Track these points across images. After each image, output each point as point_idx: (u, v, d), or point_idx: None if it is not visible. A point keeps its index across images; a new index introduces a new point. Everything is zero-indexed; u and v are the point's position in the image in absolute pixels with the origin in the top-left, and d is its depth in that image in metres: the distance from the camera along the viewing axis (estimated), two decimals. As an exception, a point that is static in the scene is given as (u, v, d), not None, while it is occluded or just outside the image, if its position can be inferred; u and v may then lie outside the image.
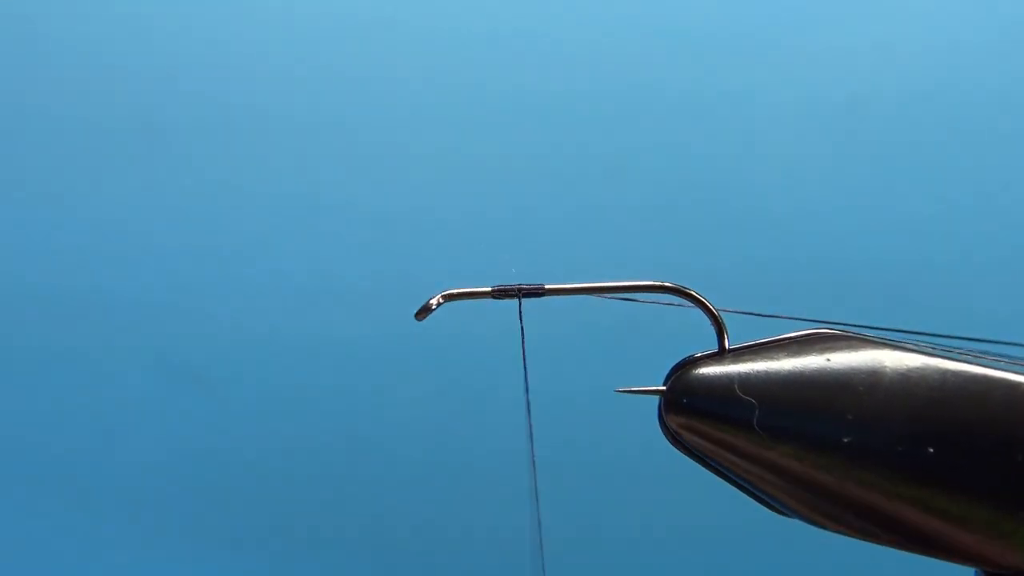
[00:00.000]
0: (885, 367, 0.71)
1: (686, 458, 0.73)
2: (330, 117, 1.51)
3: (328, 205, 1.51)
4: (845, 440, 0.70)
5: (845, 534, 0.72)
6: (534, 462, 0.74)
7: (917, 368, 0.71)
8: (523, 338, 0.74)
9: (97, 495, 1.54)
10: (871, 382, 0.71)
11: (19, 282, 1.53)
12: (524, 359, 0.74)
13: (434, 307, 0.72)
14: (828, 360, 0.71)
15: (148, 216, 1.51)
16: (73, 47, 1.50)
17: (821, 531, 0.73)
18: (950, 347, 0.74)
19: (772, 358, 0.72)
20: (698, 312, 0.73)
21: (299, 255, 1.52)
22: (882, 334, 0.74)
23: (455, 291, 0.72)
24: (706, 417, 0.71)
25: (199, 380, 1.53)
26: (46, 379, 1.54)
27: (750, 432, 0.70)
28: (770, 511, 0.74)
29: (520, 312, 0.72)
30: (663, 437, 0.74)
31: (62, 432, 1.54)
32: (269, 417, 1.53)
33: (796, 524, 0.73)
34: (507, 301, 0.72)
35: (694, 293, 0.73)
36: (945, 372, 0.71)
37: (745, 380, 0.71)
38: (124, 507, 1.54)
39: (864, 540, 0.72)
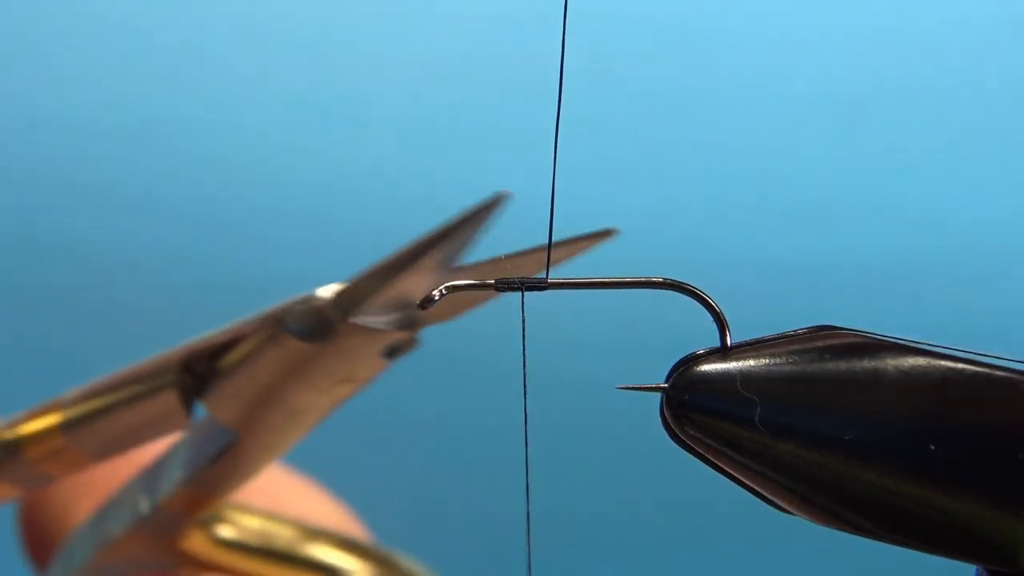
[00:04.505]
0: (887, 364, 0.71)
1: (688, 455, 0.73)
2: (330, 113, 1.51)
3: (327, 201, 1.51)
4: (846, 437, 0.70)
5: (846, 531, 0.72)
6: (528, 459, 0.74)
7: (919, 366, 0.71)
8: (524, 331, 0.74)
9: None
10: (873, 379, 0.71)
11: (21, 280, 1.53)
12: (524, 352, 0.74)
13: (437, 298, 0.72)
14: (830, 357, 0.71)
15: (150, 216, 1.51)
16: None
17: (823, 528, 0.73)
18: (951, 345, 0.74)
19: (774, 355, 0.72)
20: (701, 309, 0.74)
21: (300, 252, 1.52)
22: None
23: (458, 282, 0.73)
24: (708, 414, 0.71)
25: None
26: (48, 379, 1.54)
27: (752, 429, 0.70)
28: (772, 508, 0.74)
29: (523, 305, 0.73)
30: (665, 434, 0.74)
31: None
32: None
33: (798, 522, 0.74)
34: (509, 294, 0.72)
35: (696, 290, 0.73)
36: (946, 370, 0.71)
37: (747, 377, 0.71)
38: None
39: (865, 537, 0.73)
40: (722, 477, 0.73)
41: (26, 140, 1.52)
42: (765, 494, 0.72)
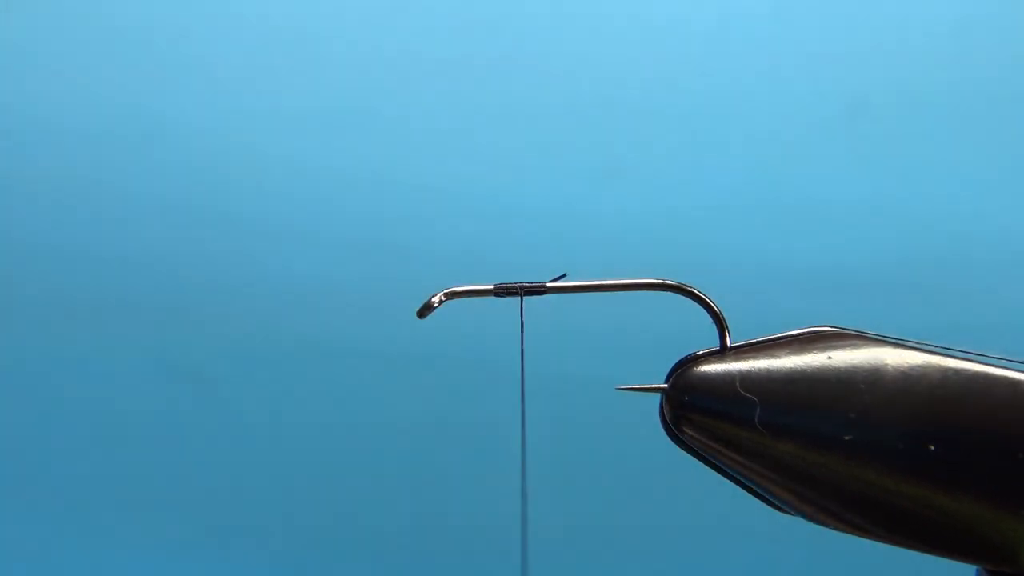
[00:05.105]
0: (887, 365, 0.71)
1: (688, 456, 0.73)
2: (332, 115, 1.51)
3: (328, 203, 1.51)
4: (846, 438, 0.70)
5: (846, 532, 0.72)
6: (524, 461, 0.74)
7: (918, 366, 0.71)
8: (523, 336, 0.74)
9: (98, 495, 1.54)
10: (872, 380, 0.71)
11: (20, 283, 1.53)
12: (522, 357, 0.74)
13: (436, 305, 0.72)
14: (830, 358, 0.71)
15: (148, 215, 1.51)
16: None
17: (823, 528, 0.73)
18: (950, 345, 0.74)
19: (774, 356, 0.72)
20: (700, 310, 0.74)
21: (300, 255, 1.52)
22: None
23: (457, 288, 0.73)
24: (708, 414, 0.71)
25: (200, 380, 1.53)
26: (48, 379, 1.54)
27: (752, 429, 0.70)
28: (772, 509, 0.74)
29: (522, 310, 0.73)
30: (664, 435, 0.74)
31: (64, 432, 1.54)
32: (270, 417, 1.53)
33: (798, 522, 0.74)
34: (509, 299, 0.73)
35: (696, 291, 0.73)
36: (946, 370, 0.71)
37: (747, 377, 0.71)
38: (125, 507, 1.54)
39: (865, 538, 0.73)
40: (722, 477, 0.73)
41: (25, 140, 1.52)
42: (765, 494, 0.73)
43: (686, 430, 0.72)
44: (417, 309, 0.73)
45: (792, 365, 0.71)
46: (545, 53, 1.50)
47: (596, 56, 1.50)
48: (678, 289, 0.73)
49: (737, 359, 0.72)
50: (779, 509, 0.73)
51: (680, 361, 0.73)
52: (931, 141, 1.48)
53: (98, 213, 1.52)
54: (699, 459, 0.73)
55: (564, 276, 0.73)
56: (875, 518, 0.71)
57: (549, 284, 0.73)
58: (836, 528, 0.73)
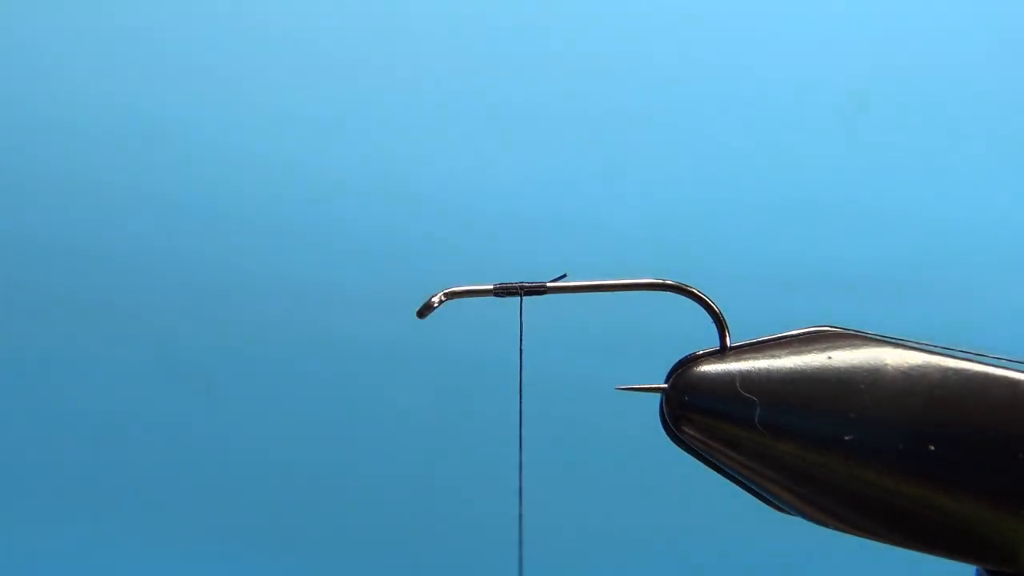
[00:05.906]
0: (886, 365, 0.71)
1: (688, 456, 0.73)
2: (332, 116, 1.51)
3: (328, 204, 1.51)
4: (846, 438, 0.70)
5: (846, 532, 0.72)
6: (521, 463, 0.74)
7: (918, 366, 0.71)
8: (522, 336, 0.74)
9: (99, 495, 1.54)
10: (872, 380, 0.71)
11: (20, 283, 1.53)
12: (521, 357, 0.74)
13: (436, 305, 0.72)
14: (830, 358, 0.71)
15: (149, 215, 1.51)
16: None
17: (822, 529, 0.73)
18: (950, 345, 0.74)
19: (773, 356, 0.72)
20: (700, 310, 0.74)
21: (300, 255, 1.52)
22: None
23: (457, 289, 0.72)
24: (708, 414, 0.71)
25: (201, 380, 1.53)
26: (48, 379, 1.54)
27: (752, 430, 0.70)
28: (772, 509, 0.74)
29: (521, 310, 0.73)
30: (664, 435, 0.74)
31: (64, 432, 1.54)
32: (270, 417, 1.53)
33: (798, 522, 0.74)
34: (509, 299, 0.72)
35: (695, 291, 0.73)
36: (946, 370, 0.71)
37: (747, 377, 0.71)
38: (126, 507, 1.54)
39: (865, 538, 0.73)
40: (722, 477, 0.73)
41: (25, 140, 1.52)
42: (765, 494, 0.72)
43: (686, 430, 0.72)
44: (417, 309, 0.73)
45: (792, 365, 0.71)
46: (546, 54, 1.50)
47: (596, 57, 1.50)
48: (678, 289, 0.73)
49: (737, 359, 0.72)
50: (779, 509, 0.73)
51: (680, 361, 0.73)
52: (931, 141, 1.48)
53: (99, 213, 1.52)
54: (699, 459, 0.73)
55: (564, 276, 0.73)
56: (875, 518, 0.71)
57: (549, 284, 0.73)
58: (836, 528, 0.72)
